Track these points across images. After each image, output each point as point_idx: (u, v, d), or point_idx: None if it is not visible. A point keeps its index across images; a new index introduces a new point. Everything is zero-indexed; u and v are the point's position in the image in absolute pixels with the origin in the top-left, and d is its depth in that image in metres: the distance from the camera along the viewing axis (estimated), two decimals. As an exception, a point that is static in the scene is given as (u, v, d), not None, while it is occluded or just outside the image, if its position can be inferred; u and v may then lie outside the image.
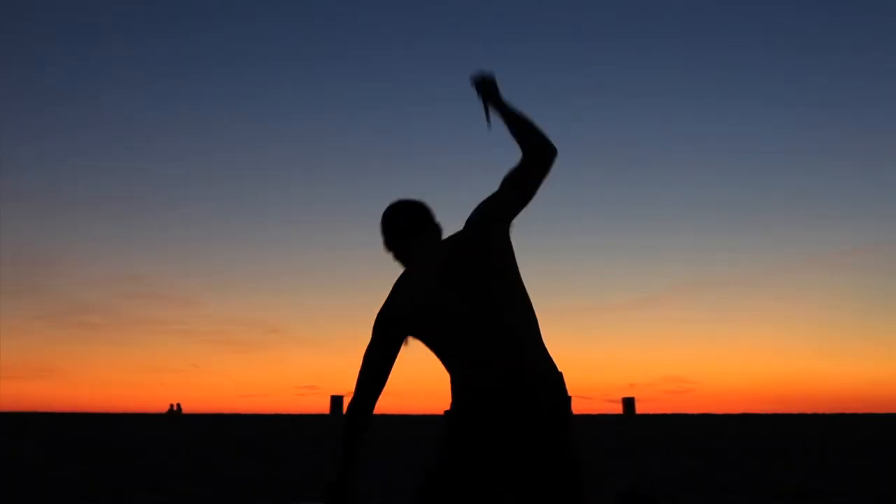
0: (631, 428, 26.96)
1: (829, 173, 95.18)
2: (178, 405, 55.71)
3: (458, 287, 1.84)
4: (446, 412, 1.80)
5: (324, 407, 53.11)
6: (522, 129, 1.95)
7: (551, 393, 1.74)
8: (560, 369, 1.83)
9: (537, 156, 1.93)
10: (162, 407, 56.25)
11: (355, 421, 1.89)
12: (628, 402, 55.40)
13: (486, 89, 2.00)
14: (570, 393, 1.84)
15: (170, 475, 7.94)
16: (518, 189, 1.94)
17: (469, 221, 1.93)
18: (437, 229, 2.07)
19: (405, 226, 2.06)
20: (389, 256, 2.11)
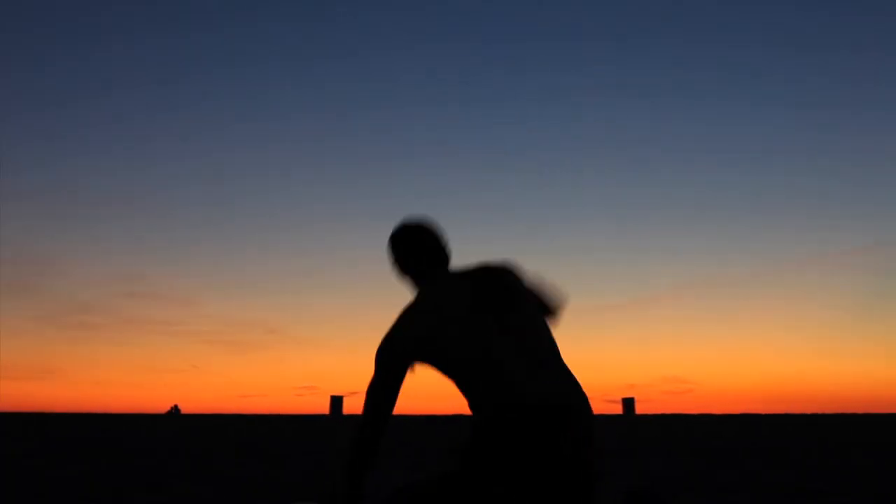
0: (631, 428, 26.93)
1: (829, 173, 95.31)
2: (176, 406, 55.66)
3: (486, 311, 1.79)
4: (473, 425, 1.76)
5: (323, 407, 53.15)
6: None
7: (579, 418, 1.70)
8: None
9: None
10: (162, 407, 56.18)
11: (364, 463, 1.84)
12: (628, 403, 55.38)
13: None
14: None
15: (170, 475, 7.95)
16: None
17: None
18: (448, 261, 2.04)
19: (433, 252, 1.99)
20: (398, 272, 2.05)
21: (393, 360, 1.84)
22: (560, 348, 1.87)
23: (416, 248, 1.99)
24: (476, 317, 1.78)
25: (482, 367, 1.74)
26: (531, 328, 1.79)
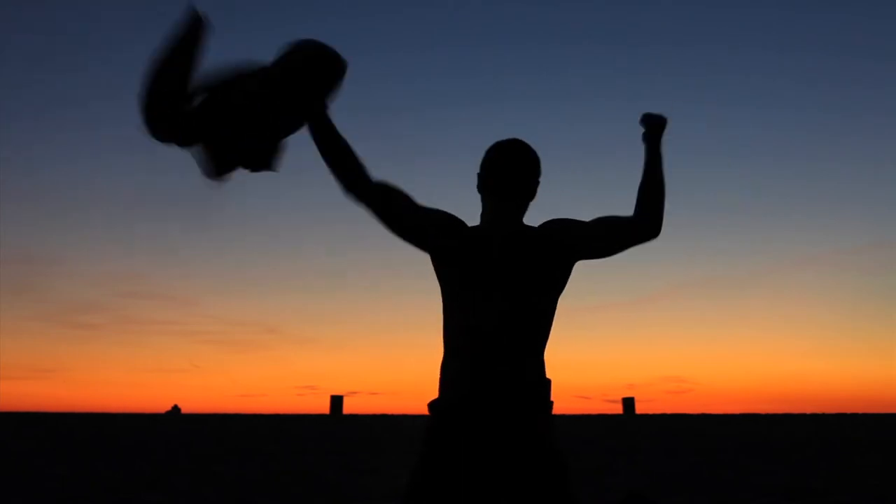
0: (631, 428, 26.95)
1: (829, 173, 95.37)
2: (176, 406, 55.73)
3: (507, 277, 1.77)
4: (430, 404, 1.77)
5: (323, 407, 53.17)
6: (657, 194, 1.83)
7: (514, 405, 1.70)
8: (548, 386, 1.77)
9: (645, 230, 1.81)
10: (162, 407, 56.31)
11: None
12: (628, 402, 55.35)
13: (657, 130, 1.88)
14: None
15: (170, 475, 7.95)
16: (611, 244, 1.84)
17: (560, 236, 1.84)
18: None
19: (533, 185, 1.91)
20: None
21: (444, 221, 1.84)
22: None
23: (535, 177, 1.91)
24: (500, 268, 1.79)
25: (468, 305, 1.77)
26: (524, 314, 1.76)
